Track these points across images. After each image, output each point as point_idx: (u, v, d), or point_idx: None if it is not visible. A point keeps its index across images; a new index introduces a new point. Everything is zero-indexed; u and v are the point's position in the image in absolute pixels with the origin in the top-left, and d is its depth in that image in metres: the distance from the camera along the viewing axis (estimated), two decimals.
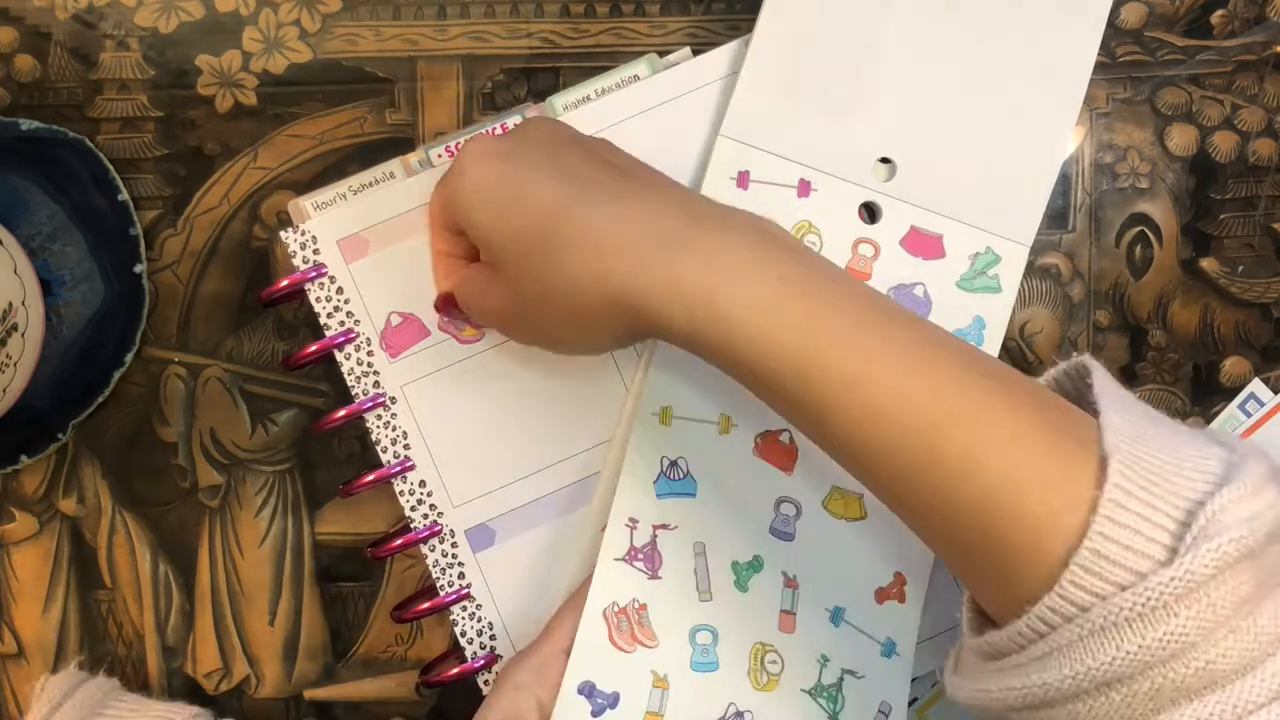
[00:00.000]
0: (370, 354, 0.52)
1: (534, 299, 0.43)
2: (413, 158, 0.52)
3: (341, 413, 0.52)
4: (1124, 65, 0.55)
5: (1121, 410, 0.37)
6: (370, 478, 0.52)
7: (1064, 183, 0.55)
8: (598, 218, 0.42)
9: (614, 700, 0.49)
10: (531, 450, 0.52)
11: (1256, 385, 0.55)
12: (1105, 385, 0.39)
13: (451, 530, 0.52)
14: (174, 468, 0.55)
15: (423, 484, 0.52)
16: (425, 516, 0.52)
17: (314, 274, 0.51)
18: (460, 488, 0.52)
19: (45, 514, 0.55)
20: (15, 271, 0.50)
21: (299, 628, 0.55)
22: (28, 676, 0.55)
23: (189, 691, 0.55)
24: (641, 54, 0.54)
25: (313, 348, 0.52)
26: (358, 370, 0.52)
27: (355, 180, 0.52)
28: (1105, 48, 0.55)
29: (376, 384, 0.52)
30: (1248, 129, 0.55)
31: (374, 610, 0.55)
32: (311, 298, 0.52)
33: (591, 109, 0.52)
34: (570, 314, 0.42)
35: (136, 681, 0.55)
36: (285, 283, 0.51)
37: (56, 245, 0.53)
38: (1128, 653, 0.33)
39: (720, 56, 0.52)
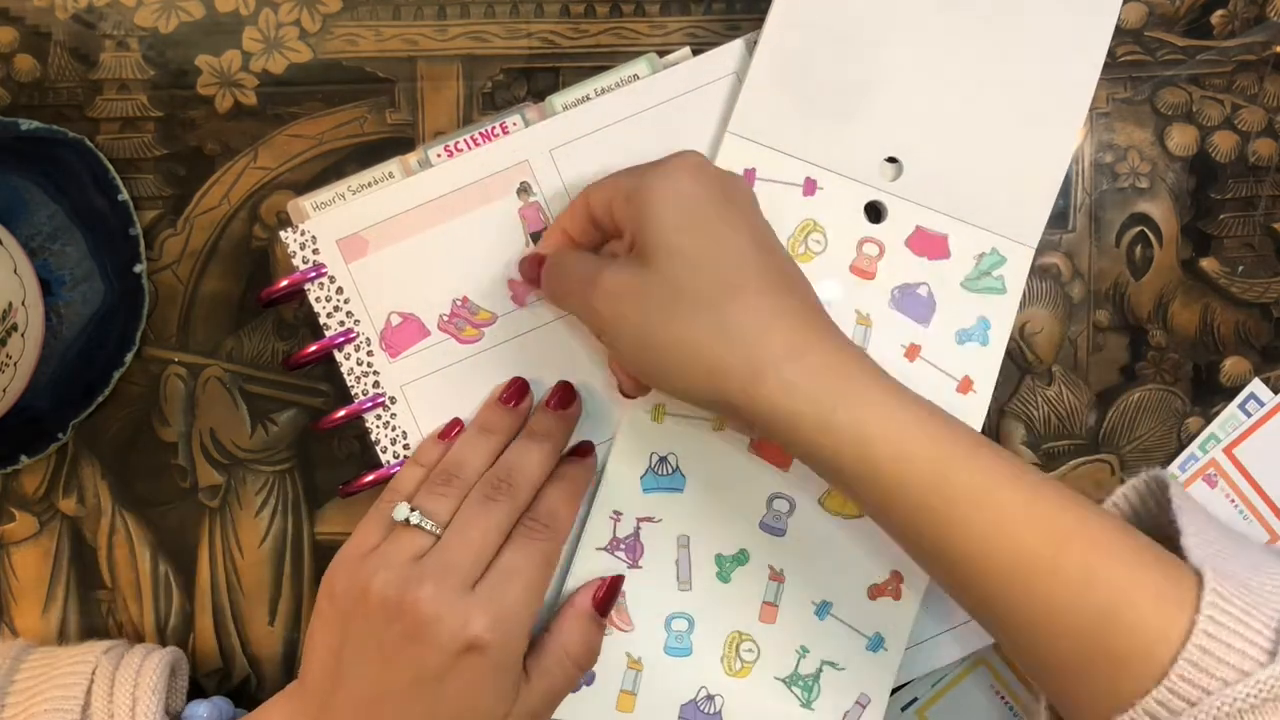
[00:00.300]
0: (370, 354, 0.52)
1: (654, 305, 0.43)
2: (412, 158, 0.52)
3: (341, 413, 0.52)
4: (1124, 65, 0.55)
5: (1200, 528, 0.40)
6: (370, 478, 0.52)
7: (1064, 183, 0.55)
8: (766, 306, 0.43)
9: (590, 678, 0.51)
10: None
11: (1257, 385, 0.55)
12: (1183, 501, 0.42)
13: None
14: (174, 468, 0.55)
15: None
16: None
17: (313, 274, 0.51)
18: None
19: (45, 514, 0.55)
20: (15, 271, 0.50)
21: (299, 628, 0.55)
22: None
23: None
24: (641, 54, 0.54)
25: (312, 348, 0.52)
26: (357, 370, 0.52)
27: (354, 180, 0.52)
28: None
29: (376, 384, 0.52)
30: (1248, 129, 0.55)
31: None
32: (311, 298, 0.52)
33: (592, 108, 0.52)
34: (685, 353, 0.43)
35: None
36: (285, 283, 0.51)
37: (56, 245, 0.53)
38: None
39: (720, 56, 0.52)
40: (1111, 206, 0.55)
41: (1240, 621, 0.37)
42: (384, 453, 0.52)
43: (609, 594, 0.50)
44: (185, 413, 0.55)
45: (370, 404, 0.52)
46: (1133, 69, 0.55)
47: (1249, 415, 0.55)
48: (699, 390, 0.43)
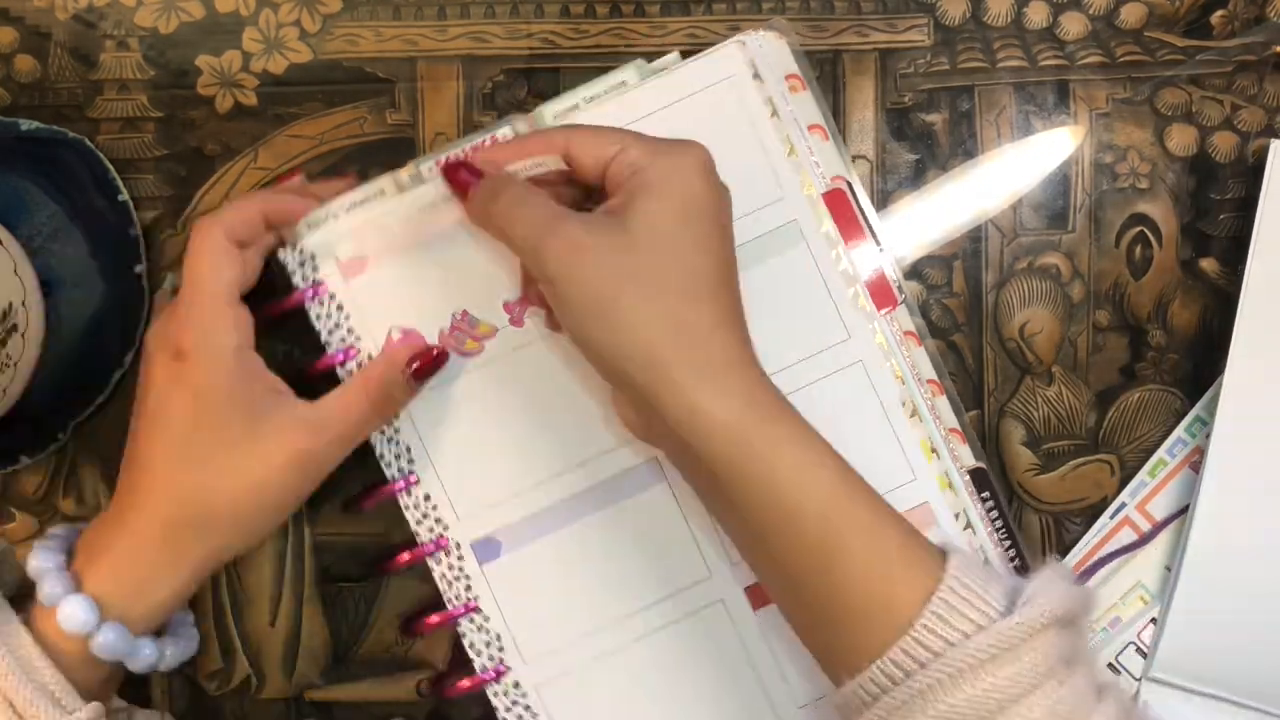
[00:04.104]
0: None
1: (623, 279, 0.44)
2: (403, 173, 0.51)
3: None
4: (1124, 65, 0.55)
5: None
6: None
7: (1064, 183, 0.55)
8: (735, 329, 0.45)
9: None
10: (535, 461, 0.52)
11: None
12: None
13: (458, 543, 0.52)
14: None
15: (427, 498, 0.52)
16: (431, 530, 0.52)
17: (313, 292, 0.51)
18: (465, 501, 0.52)
19: (45, 514, 0.55)
20: (15, 271, 0.50)
21: (299, 628, 0.55)
22: None
23: (189, 691, 0.55)
24: (642, 54, 0.54)
25: (317, 365, 0.51)
26: None
27: (347, 198, 0.51)
28: (1105, 48, 0.55)
29: None
30: (1248, 129, 0.55)
31: (374, 610, 0.55)
32: (311, 315, 0.51)
33: (582, 118, 0.51)
34: (627, 324, 0.44)
35: (137, 682, 0.55)
36: (283, 304, 0.51)
37: (56, 245, 0.53)
38: (984, 690, 0.39)
39: (714, 62, 0.52)
40: (1111, 207, 0.55)
41: (980, 586, 0.41)
42: (388, 468, 0.52)
43: (428, 364, 0.50)
44: None
45: None
46: (1132, 69, 0.55)
47: None
48: (627, 369, 0.44)
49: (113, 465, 0.55)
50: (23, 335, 0.51)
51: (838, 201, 0.52)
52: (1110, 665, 0.55)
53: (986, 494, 0.53)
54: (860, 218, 0.52)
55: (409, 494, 0.52)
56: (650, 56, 0.53)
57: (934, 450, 0.52)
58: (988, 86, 0.55)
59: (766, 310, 0.51)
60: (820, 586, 0.42)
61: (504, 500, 0.52)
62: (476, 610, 0.52)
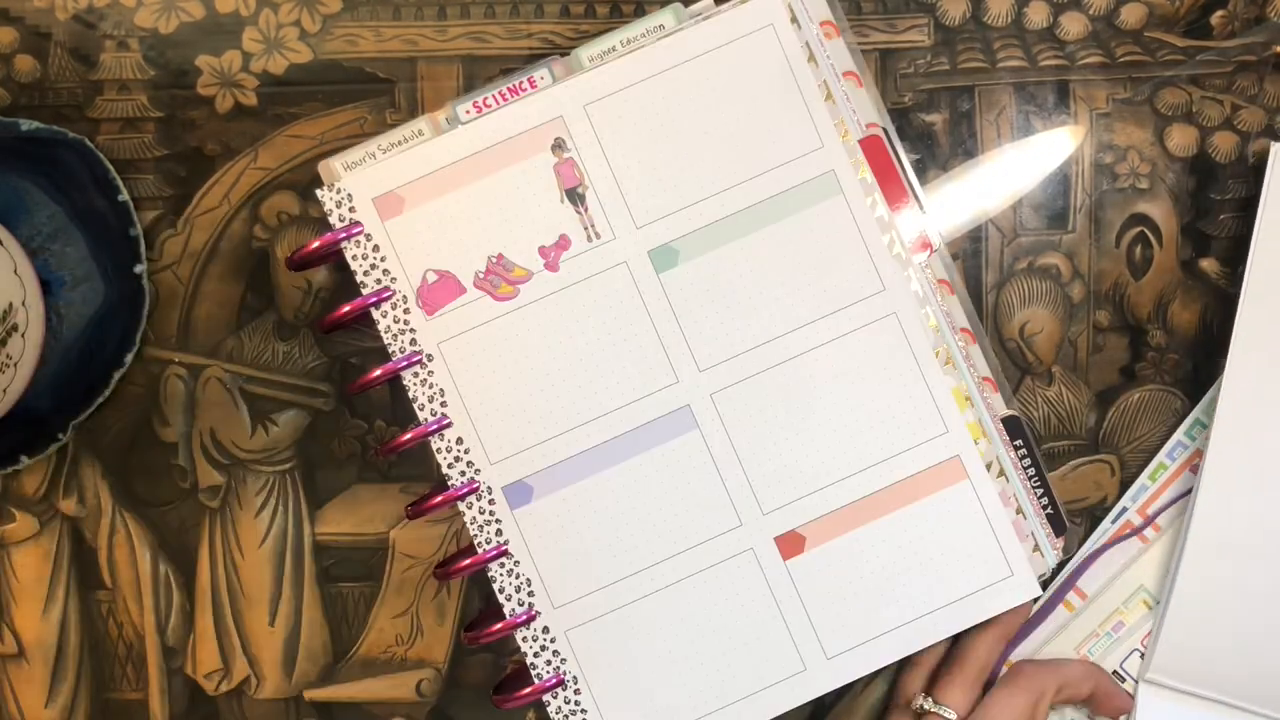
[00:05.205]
0: (406, 311, 0.51)
1: None
2: (440, 115, 0.52)
3: (377, 371, 0.51)
4: (1124, 65, 0.55)
5: None
6: (407, 436, 0.51)
7: (1064, 183, 0.55)
8: None
9: None
10: (567, 407, 0.52)
11: None
12: None
13: (489, 487, 0.52)
14: (174, 468, 0.55)
15: (459, 441, 0.52)
16: (462, 474, 0.52)
17: (350, 232, 0.51)
18: (497, 444, 0.52)
19: (45, 514, 0.55)
20: (15, 272, 0.50)
21: (299, 628, 0.55)
22: (28, 677, 0.55)
23: (189, 691, 0.55)
24: None
25: (347, 307, 0.50)
26: (394, 328, 0.51)
27: (384, 139, 0.51)
28: (1105, 48, 0.55)
29: (413, 341, 0.51)
30: (1248, 129, 0.55)
31: (374, 610, 0.55)
32: (348, 255, 0.51)
33: (624, 64, 0.51)
34: None
35: (137, 681, 0.55)
36: (316, 244, 0.50)
37: (56, 245, 0.53)
38: None
39: (754, 8, 0.51)
40: (1111, 207, 0.55)
41: None
42: (421, 410, 0.51)
43: None
44: (185, 413, 0.55)
45: (406, 362, 0.51)
46: (1133, 69, 0.55)
47: None
48: None
49: (113, 465, 0.55)
50: (23, 335, 0.51)
51: (874, 148, 0.52)
52: (1115, 672, 0.55)
53: (1019, 442, 0.53)
54: (896, 164, 0.52)
55: (441, 437, 0.51)
56: None
57: (967, 398, 0.52)
58: (988, 86, 0.55)
59: (800, 263, 0.51)
60: None
61: (536, 445, 0.52)
62: (506, 554, 0.52)
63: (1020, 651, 0.55)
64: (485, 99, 0.51)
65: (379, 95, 0.55)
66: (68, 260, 0.54)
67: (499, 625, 0.51)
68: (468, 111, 0.51)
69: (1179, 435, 0.55)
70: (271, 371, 0.55)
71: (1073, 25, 0.55)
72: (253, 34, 0.54)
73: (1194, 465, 0.54)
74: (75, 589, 0.55)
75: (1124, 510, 0.55)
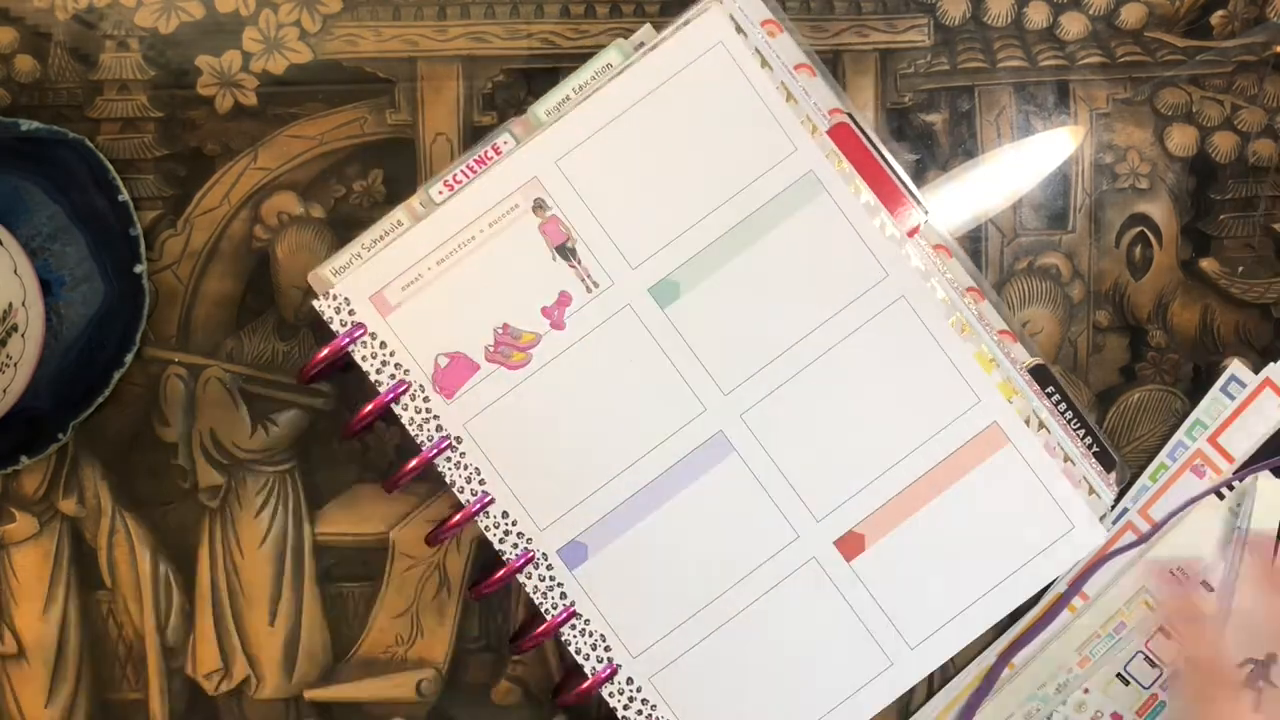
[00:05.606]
0: (426, 400, 0.51)
1: None
2: (414, 201, 0.52)
3: (412, 463, 0.51)
4: (1124, 65, 0.55)
5: None
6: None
7: (1064, 183, 0.55)
8: None
9: None
10: (603, 458, 0.52)
11: (1237, 367, 0.55)
12: None
13: (544, 554, 0.52)
14: (174, 468, 0.55)
15: (505, 515, 0.51)
16: (514, 546, 0.52)
17: (354, 335, 0.51)
18: (542, 511, 0.52)
19: (45, 514, 0.55)
20: (15, 272, 0.50)
21: (299, 628, 0.55)
22: (28, 677, 0.55)
23: (189, 692, 0.55)
24: None
25: (370, 407, 0.51)
26: (418, 419, 0.51)
27: (366, 237, 0.51)
28: (1105, 48, 0.55)
29: (439, 428, 0.51)
30: (1248, 129, 0.55)
31: (374, 610, 0.55)
32: (357, 358, 0.51)
33: (584, 110, 0.51)
34: None
35: (136, 681, 0.55)
36: (324, 352, 0.51)
37: (56, 245, 0.53)
38: None
39: (700, 28, 0.51)
40: (1111, 207, 0.55)
41: None
42: (460, 493, 0.51)
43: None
44: (185, 413, 0.55)
45: (436, 449, 0.51)
46: (1132, 69, 0.55)
47: (1232, 399, 0.55)
48: None
49: (113, 465, 0.55)
50: (23, 335, 0.51)
51: (844, 135, 0.52)
52: (1119, 675, 0.54)
53: (1051, 389, 0.53)
54: (868, 144, 0.52)
55: (486, 515, 0.51)
56: None
57: (991, 360, 0.52)
58: (988, 86, 0.55)
59: (799, 268, 0.51)
60: None
61: (580, 503, 0.52)
62: (575, 615, 0.52)
63: (1022, 653, 0.55)
64: (455, 176, 0.51)
65: (379, 95, 0.55)
66: (68, 260, 0.54)
67: (585, 685, 0.52)
68: (440, 192, 0.51)
69: (1179, 435, 0.55)
70: (271, 371, 0.55)
71: (1073, 25, 0.55)
72: (253, 34, 0.55)
73: (1195, 465, 0.54)
74: (75, 589, 0.55)
75: (1125, 511, 0.55)
